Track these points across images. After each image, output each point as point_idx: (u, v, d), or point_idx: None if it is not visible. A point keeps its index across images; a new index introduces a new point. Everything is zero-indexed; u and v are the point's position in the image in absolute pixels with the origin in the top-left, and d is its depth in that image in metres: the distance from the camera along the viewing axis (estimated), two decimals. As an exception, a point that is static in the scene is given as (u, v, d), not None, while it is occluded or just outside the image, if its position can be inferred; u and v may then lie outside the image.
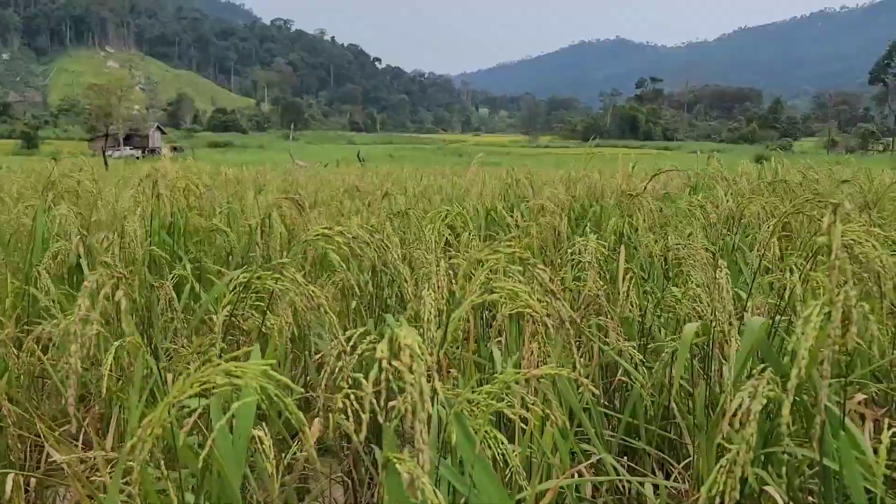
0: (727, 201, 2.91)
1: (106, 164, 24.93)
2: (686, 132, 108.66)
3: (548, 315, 0.77)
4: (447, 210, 1.88)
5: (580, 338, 1.82)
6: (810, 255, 1.55)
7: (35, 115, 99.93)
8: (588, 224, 3.93)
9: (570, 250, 2.08)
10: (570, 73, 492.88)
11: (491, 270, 0.92)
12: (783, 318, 1.33)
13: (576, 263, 1.93)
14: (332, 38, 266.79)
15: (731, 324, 1.10)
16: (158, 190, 2.43)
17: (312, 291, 0.82)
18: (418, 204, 4.40)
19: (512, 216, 4.59)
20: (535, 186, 4.85)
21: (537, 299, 0.78)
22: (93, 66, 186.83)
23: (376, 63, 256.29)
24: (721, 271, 1.18)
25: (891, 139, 70.92)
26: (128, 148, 60.18)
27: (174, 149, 64.66)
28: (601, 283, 1.95)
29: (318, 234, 1.03)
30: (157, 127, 71.43)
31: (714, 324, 1.20)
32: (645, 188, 2.54)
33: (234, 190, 3.97)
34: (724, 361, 1.36)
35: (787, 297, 1.31)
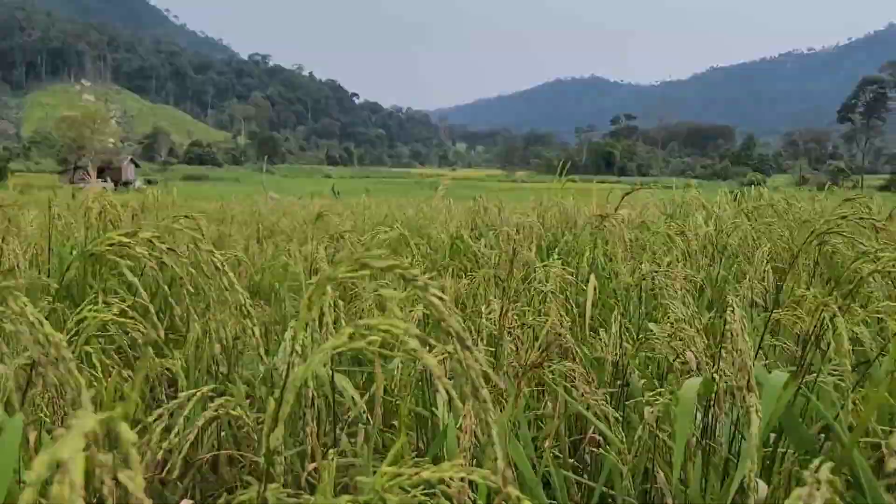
0: (710, 227, 2.62)
1: (73, 196, 24.37)
2: (660, 168, 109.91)
3: (450, 374, 0.45)
4: (383, 230, 1.57)
5: (542, 385, 1.49)
6: (831, 286, 1.25)
7: (7, 146, 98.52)
8: (559, 252, 3.63)
9: (533, 277, 1.76)
10: (547, 110, 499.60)
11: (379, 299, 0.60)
12: (809, 371, 1.02)
13: (537, 295, 1.62)
14: (310, 73, 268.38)
15: (749, 388, 0.77)
16: (54, 212, 2.08)
17: (48, 336, 0.49)
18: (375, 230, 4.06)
19: (479, 244, 4.28)
20: (505, 215, 4.56)
21: (438, 349, 0.46)
22: (68, 99, 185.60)
23: (354, 98, 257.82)
24: (734, 313, 0.86)
25: (860, 176, 72.22)
26: (99, 181, 59.34)
27: (148, 181, 64.01)
28: (568, 318, 1.63)
29: (112, 244, 0.70)
30: (131, 160, 70.58)
31: (720, 380, 0.88)
32: (617, 208, 2.24)
33: (165, 216, 3.61)
34: (724, 420, 1.04)
35: (810, 341, 1.00)
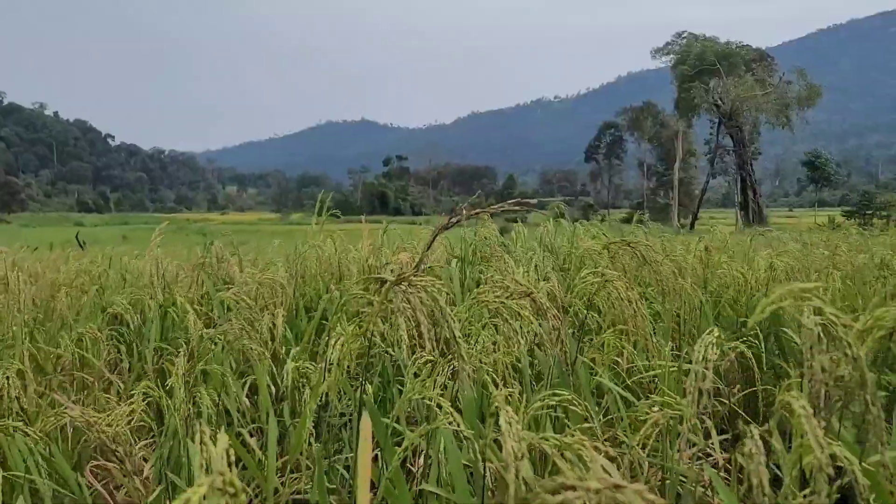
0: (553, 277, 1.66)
1: None
2: (433, 207, 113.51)
3: None
4: None
5: None
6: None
7: None
8: (322, 321, 2.50)
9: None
10: (320, 151, 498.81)
11: None
12: None
13: None
14: (55, 112, 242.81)
15: None
16: None
17: None
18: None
19: (208, 313, 3.03)
20: (243, 266, 3.35)
21: None
22: None
23: (109, 140, 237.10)
24: None
25: (606, 210, 79.64)
26: None
27: None
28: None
29: None
30: None
31: None
32: (425, 256, 1.18)
33: None
34: None
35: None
